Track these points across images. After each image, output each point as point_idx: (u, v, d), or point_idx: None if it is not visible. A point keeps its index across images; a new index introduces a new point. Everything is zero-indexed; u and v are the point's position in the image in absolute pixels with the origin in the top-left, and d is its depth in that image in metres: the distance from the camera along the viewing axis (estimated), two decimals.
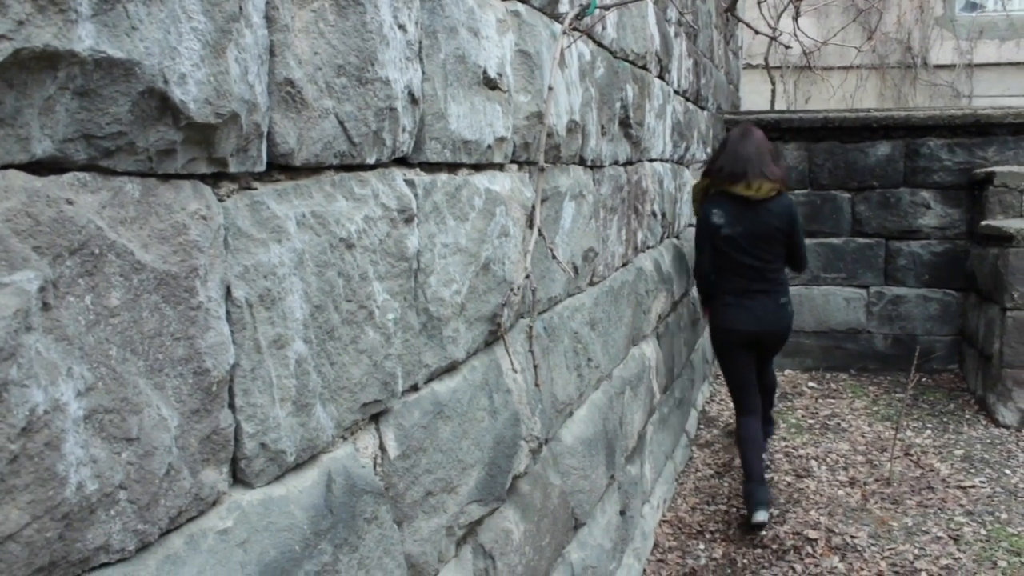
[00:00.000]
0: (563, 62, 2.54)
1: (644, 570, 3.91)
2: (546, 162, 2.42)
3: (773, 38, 5.28)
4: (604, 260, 3.15)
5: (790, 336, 7.24)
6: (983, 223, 6.40)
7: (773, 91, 12.38)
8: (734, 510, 4.53)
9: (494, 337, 2.09)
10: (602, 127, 3.06)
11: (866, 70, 13.99)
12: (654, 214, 4.07)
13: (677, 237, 4.90)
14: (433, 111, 1.79)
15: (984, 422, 6.02)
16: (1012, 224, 6.01)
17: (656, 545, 4.17)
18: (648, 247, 4.02)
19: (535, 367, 2.19)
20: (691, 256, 5.27)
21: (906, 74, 13.94)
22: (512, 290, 2.12)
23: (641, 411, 3.75)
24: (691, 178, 5.34)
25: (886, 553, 4.15)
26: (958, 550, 4.16)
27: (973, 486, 4.93)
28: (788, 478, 5.01)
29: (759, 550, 4.18)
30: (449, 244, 1.85)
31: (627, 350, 3.57)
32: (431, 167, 1.82)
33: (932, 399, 6.58)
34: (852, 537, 4.30)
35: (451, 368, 1.89)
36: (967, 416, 6.17)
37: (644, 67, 3.83)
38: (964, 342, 6.98)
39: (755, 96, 12.87)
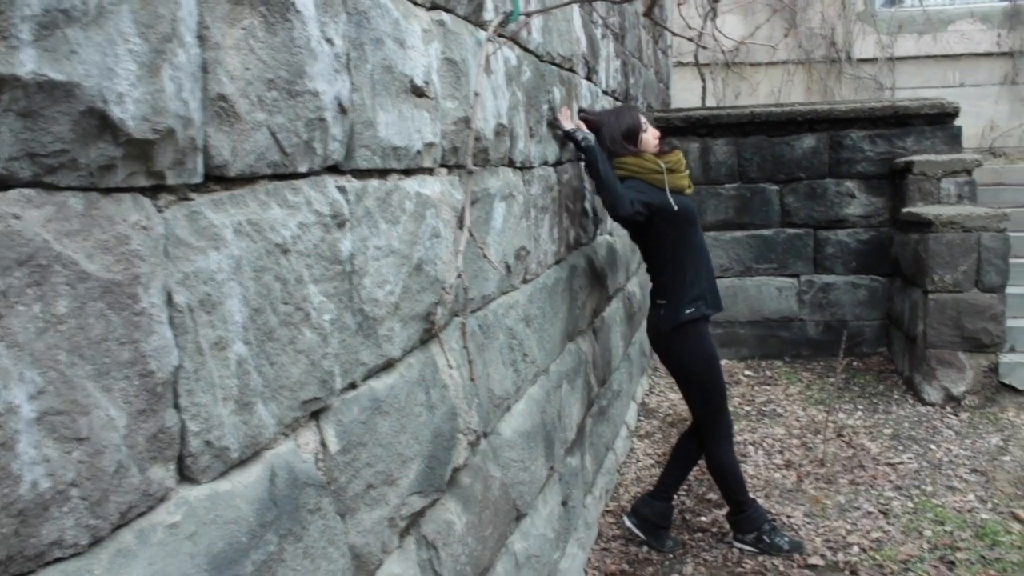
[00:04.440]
0: (489, 68, 2.63)
1: (588, 559, 4.02)
2: (475, 165, 2.51)
3: (688, 39, 5.43)
4: (537, 258, 3.24)
5: (729, 326, 7.49)
6: (904, 210, 6.64)
7: (704, 88, 12.63)
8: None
9: (429, 335, 2.17)
10: (530, 129, 3.15)
11: (793, 65, 14.31)
12: (585, 212, 4.17)
13: (611, 234, 5.02)
14: (362, 120, 1.86)
15: (911, 401, 6.26)
16: (931, 210, 6.26)
17: (600, 534, 4.29)
18: (581, 244, 4.13)
19: (470, 363, 2.27)
20: (624, 252, 5.39)
21: (831, 68, 14.29)
22: (444, 289, 2.21)
23: (579, 404, 3.86)
24: None
25: (821, 530, 4.31)
26: (887, 523, 4.35)
27: (901, 462, 5.14)
28: None
29: (699, 534, 4.32)
30: (382, 247, 1.93)
31: (564, 345, 3.67)
32: (362, 173, 1.89)
33: (863, 382, 6.81)
34: (788, 517, 4.46)
35: (388, 366, 1.97)
36: (896, 396, 6.41)
37: (571, 69, 3.93)
38: (891, 325, 7.23)
39: (687, 93, 13.09)
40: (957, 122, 7.30)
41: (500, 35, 2.79)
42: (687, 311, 3.83)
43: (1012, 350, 6.23)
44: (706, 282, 3.89)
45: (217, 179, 1.43)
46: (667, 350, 3.99)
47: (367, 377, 1.88)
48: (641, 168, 3.78)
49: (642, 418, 5.99)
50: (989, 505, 4.50)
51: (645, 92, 7.19)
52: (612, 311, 4.95)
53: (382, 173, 1.99)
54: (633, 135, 3.89)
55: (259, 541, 1.40)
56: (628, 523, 4.18)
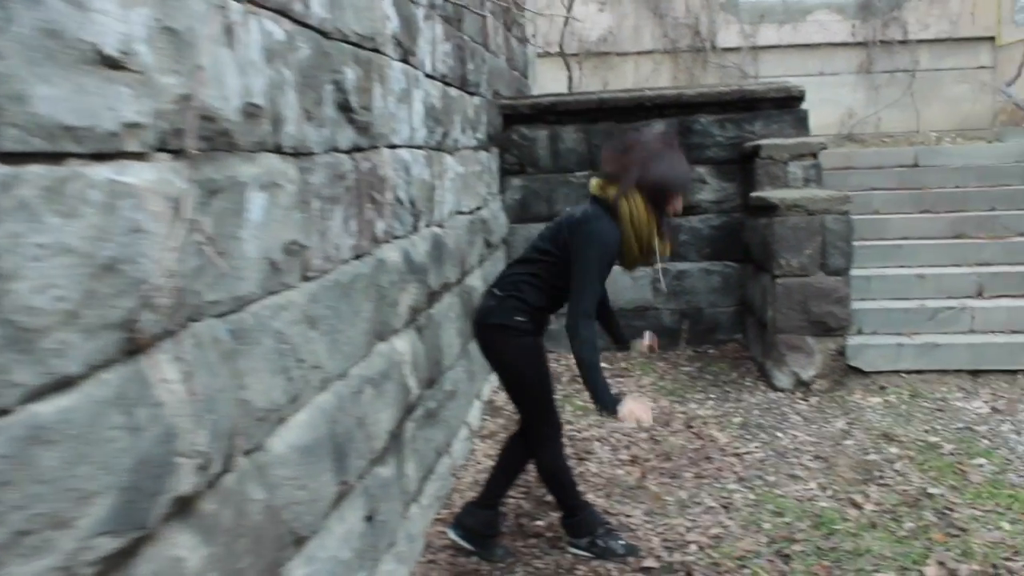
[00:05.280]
0: (232, 40, 2.33)
1: (412, 573, 3.76)
2: (213, 149, 2.21)
3: (512, 23, 5.23)
4: (323, 253, 2.95)
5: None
6: (752, 195, 6.58)
7: (570, 78, 12.52)
8: (512, 502, 4.44)
9: (135, 345, 1.86)
10: (307, 112, 2.86)
11: (660, 55, 14.36)
12: (400, 202, 3.89)
13: (440, 226, 4.75)
14: (8, 93, 1.55)
15: (763, 388, 6.21)
16: (777, 194, 6.21)
17: (428, 545, 4.03)
18: (395, 237, 3.84)
19: (188, 375, 1.97)
20: (458, 246, 5.15)
21: (697, 58, 14.38)
22: (156, 292, 1.90)
23: (391, 409, 3.58)
24: (454, 164, 5.20)
25: (659, 529, 4.15)
26: (728, 518, 4.22)
27: (748, 452, 5.04)
28: (569, 463, 4.96)
29: (533, 539, 4.11)
30: (48, 244, 1.61)
31: (370, 346, 3.39)
32: (15, 158, 1.57)
33: (717, 370, 6.73)
34: (627, 516, 4.30)
35: (63, 385, 1.65)
36: (748, 383, 6.34)
37: (374, 49, 3.65)
38: (746, 312, 7.18)
39: (554, 83, 12.96)
40: (808, 107, 7.29)
41: (253, 2, 2.49)
42: (519, 318, 3.62)
43: (859, 332, 6.24)
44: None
45: None
46: (488, 343, 3.75)
47: (27, 400, 1.56)
48: (638, 233, 3.42)
49: (487, 417, 5.75)
50: (829, 492, 4.42)
51: (492, 79, 6.95)
52: (443, 308, 4.69)
53: (52, 157, 1.67)
54: (668, 194, 3.43)
55: None
56: (453, 535, 3.93)
